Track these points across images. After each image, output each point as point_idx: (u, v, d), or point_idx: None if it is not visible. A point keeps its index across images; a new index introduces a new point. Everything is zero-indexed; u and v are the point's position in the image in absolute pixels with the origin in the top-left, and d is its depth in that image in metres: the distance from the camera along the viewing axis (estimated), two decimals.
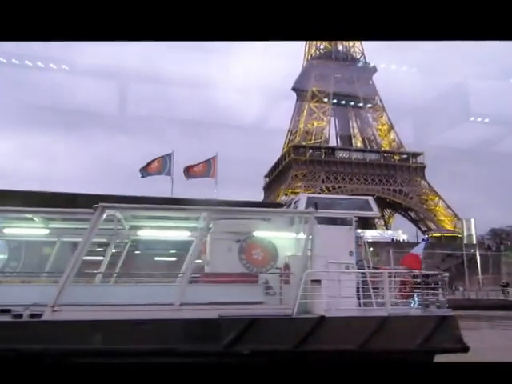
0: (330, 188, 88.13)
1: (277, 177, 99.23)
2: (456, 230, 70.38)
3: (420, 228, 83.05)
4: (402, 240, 58.48)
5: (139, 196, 15.44)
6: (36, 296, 8.53)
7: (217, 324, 8.56)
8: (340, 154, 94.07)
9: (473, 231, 28.40)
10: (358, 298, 10.32)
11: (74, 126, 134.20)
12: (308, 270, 9.53)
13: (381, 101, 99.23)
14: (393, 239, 52.59)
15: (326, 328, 8.85)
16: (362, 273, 10.22)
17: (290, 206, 12.91)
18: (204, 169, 29.68)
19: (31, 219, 11.08)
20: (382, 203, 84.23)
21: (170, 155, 29.00)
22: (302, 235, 10.77)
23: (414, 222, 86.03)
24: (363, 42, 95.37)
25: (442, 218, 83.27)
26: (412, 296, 11.09)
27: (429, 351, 8.98)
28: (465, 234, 28.19)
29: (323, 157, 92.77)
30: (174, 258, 15.71)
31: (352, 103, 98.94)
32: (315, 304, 9.42)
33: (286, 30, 1.45)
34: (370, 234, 51.59)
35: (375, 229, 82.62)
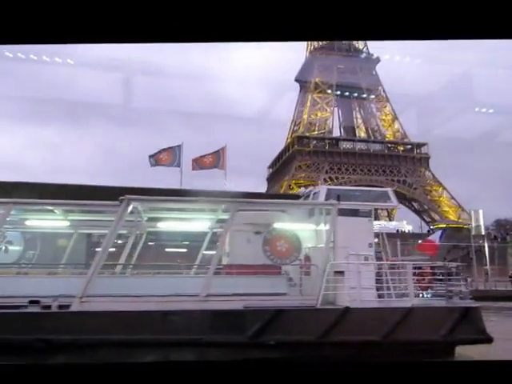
0: (334, 179, 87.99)
1: (280, 168, 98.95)
2: (460, 220, 70.37)
3: (424, 219, 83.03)
4: (407, 231, 58.53)
5: (157, 188, 15.45)
6: (62, 287, 8.58)
7: (242, 315, 8.62)
8: (344, 145, 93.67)
9: (481, 222, 28.36)
10: (377, 290, 10.37)
11: (76, 118, 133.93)
12: (331, 262, 9.57)
13: (384, 91, 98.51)
14: (397, 230, 52.58)
15: (350, 319, 8.90)
16: (387, 264, 10.25)
17: (308, 197, 12.89)
18: (213, 160, 29.69)
19: (52, 211, 11.10)
20: None
21: (179, 147, 29.04)
22: (322, 227, 10.79)
23: (418, 212, 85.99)
24: None
25: (446, 209, 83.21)
26: (431, 287, 11.14)
27: (453, 342, 9.04)
28: (473, 224, 28.14)
29: (327, 147, 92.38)
30: (189, 250, 15.76)
31: (355, 94, 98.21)
32: (338, 295, 9.46)
33: (285, 30, 1.45)
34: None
35: (378, 220, 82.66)
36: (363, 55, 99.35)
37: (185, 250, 16.25)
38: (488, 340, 9.02)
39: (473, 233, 28.01)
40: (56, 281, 9.04)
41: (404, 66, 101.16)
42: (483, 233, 29.57)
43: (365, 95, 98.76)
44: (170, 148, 29.22)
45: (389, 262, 10.69)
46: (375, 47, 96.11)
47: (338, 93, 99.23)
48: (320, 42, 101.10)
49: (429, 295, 11.33)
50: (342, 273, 9.56)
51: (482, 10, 1.39)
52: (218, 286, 8.97)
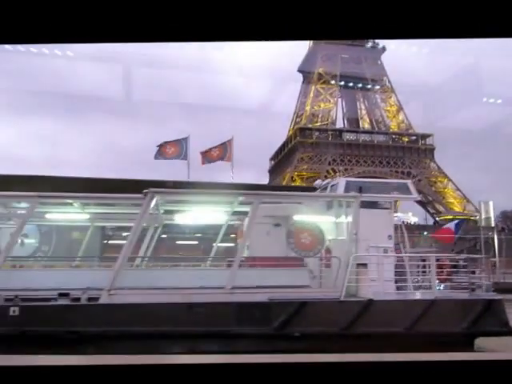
0: (337, 170, 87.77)
1: (282, 160, 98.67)
2: (465, 212, 70.29)
3: (428, 210, 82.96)
4: (413, 223, 58.54)
5: (170, 180, 15.47)
6: (89, 280, 8.67)
7: (267, 307, 8.71)
8: (347, 136, 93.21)
9: (491, 214, 28.30)
10: (395, 282, 10.44)
11: (75, 110, 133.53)
12: (354, 254, 9.61)
13: (389, 81, 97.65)
14: (403, 222, 52.53)
15: (374, 311, 8.98)
16: (408, 257, 10.31)
17: (325, 189, 12.89)
18: (220, 152, 29.59)
19: (70, 204, 11.15)
20: None
21: (186, 139, 28.84)
22: (342, 219, 10.81)
23: (423, 204, 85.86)
24: None
25: (451, 201, 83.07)
26: (450, 279, 11.19)
27: (475, 334, 9.12)
28: (483, 216, 28.07)
29: (330, 139, 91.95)
30: (205, 242, 15.83)
31: (360, 85, 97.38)
32: (361, 287, 9.53)
33: (285, 30, 1.45)
34: None
35: None
36: (368, 45, 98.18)
37: (201, 243, 16.32)
38: (511, 332, 9.09)
39: (482, 224, 27.94)
40: (82, 273, 9.11)
41: (411, 55, 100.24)
42: (493, 224, 29.54)
43: (369, 86, 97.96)
44: (176, 140, 29.09)
45: (411, 255, 10.73)
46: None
47: (342, 83, 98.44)
48: None
49: (441, 287, 11.40)
50: (364, 265, 9.62)
51: (483, 9, 1.38)
52: (242, 279, 9.04)
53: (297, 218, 10.92)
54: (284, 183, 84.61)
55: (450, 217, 57.17)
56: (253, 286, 8.89)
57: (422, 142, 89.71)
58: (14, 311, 7.81)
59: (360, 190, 10.22)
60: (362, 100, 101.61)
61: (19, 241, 13.33)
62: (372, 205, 11.13)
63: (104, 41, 1.45)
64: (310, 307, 8.85)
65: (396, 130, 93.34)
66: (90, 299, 8.35)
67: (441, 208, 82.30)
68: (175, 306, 8.34)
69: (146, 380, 1.37)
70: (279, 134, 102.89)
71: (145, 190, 9.13)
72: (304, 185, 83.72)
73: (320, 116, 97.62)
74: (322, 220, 11.11)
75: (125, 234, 18.25)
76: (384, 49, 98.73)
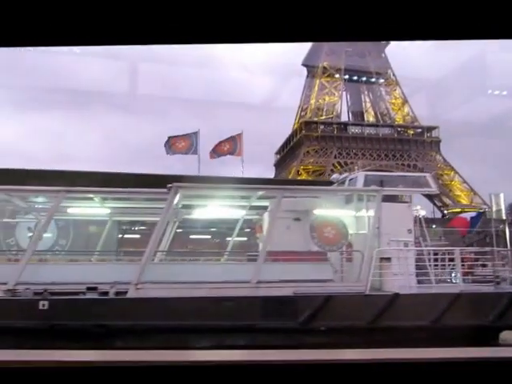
0: (343, 164, 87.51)
1: (288, 153, 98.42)
2: (473, 204, 69.98)
3: (435, 203, 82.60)
4: (421, 216, 58.24)
5: (187, 175, 15.50)
6: (115, 274, 8.70)
7: (293, 301, 8.72)
8: (352, 130, 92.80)
9: (502, 206, 28.16)
10: (416, 275, 10.42)
11: (80, 105, 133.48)
12: (378, 248, 9.60)
13: (394, 74, 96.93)
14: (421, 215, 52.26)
15: (399, 305, 8.98)
16: (430, 250, 10.28)
17: (342, 183, 12.85)
18: (230, 147, 29.52)
19: (92, 199, 11.17)
20: None
21: (196, 133, 28.79)
22: (362, 213, 10.79)
23: (429, 197, 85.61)
24: None
25: (458, 193, 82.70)
26: (472, 272, 11.16)
27: (501, 327, 9.11)
28: (493, 209, 27.94)
29: (335, 132, 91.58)
30: (222, 236, 15.86)
31: (364, 78, 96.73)
32: (385, 281, 9.53)
33: (285, 31, 1.43)
34: None
35: None
36: None
37: (219, 237, 16.35)
38: None
39: (493, 217, 27.82)
40: (108, 267, 9.15)
41: (415, 47, 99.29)
42: (504, 217, 29.40)
43: (373, 79, 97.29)
44: (186, 135, 29.02)
45: (435, 248, 10.71)
46: None
47: (346, 77, 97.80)
48: None
49: (458, 280, 11.38)
50: (388, 259, 9.62)
51: (484, 9, 1.37)
52: (266, 273, 9.06)
53: (317, 212, 10.91)
54: (290, 177, 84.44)
55: (458, 210, 56.93)
56: (278, 280, 8.90)
57: (428, 134, 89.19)
58: (43, 305, 7.86)
59: (381, 183, 10.19)
60: (366, 93, 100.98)
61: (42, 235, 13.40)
62: (392, 198, 11.10)
63: (105, 43, 1.44)
64: (335, 301, 8.87)
65: (401, 122, 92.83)
66: (117, 293, 8.38)
67: (447, 201, 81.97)
68: (202, 300, 8.37)
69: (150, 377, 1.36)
70: (284, 127, 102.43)
71: (169, 185, 9.13)
72: (310, 178, 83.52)
73: (325, 110, 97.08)
74: (342, 214, 11.09)
75: (140, 228, 18.31)
76: (388, 42, 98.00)
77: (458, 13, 1.37)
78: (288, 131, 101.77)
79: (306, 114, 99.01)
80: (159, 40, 1.46)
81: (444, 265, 11.10)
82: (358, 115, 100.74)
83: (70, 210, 11.58)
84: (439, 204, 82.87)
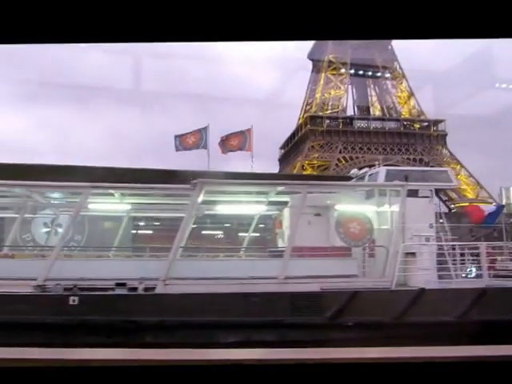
0: (348, 158, 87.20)
1: (292, 148, 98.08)
2: (479, 198, 69.68)
3: (441, 198, 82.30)
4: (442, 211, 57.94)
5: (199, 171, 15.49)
6: (142, 270, 8.74)
7: (321, 297, 8.74)
8: (358, 124, 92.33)
9: None
10: (438, 270, 10.40)
11: (84, 100, 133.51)
12: (403, 243, 9.58)
13: (400, 67, 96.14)
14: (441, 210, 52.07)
15: (425, 300, 8.96)
16: (451, 245, 10.25)
17: (361, 179, 12.81)
18: (239, 142, 29.48)
19: (112, 194, 11.18)
20: None
21: (205, 128, 28.76)
22: (385, 208, 10.76)
23: (435, 191, 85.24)
24: None
25: (464, 187, 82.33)
26: (494, 267, 11.12)
27: None
28: (503, 202, 27.86)
29: (341, 127, 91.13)
30: (238, 232, 15.88)
31: (370, 73, 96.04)
32: (411, 276, 9.51)
33: (285, 30, 1.44)
34: None
35: None
36: None
37: (238, 233, 16.36)
38: None
39: (504, 211, 27.71)
40: (135, 263, 9.18)
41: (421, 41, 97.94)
42: None
43: (379, 74, 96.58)
44: (195, 131, 29.00)
45: (460, 243, 10.69)
46: None
47: (352, 71, 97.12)
48: None
49: (473, 274, 11.36)
50: (413, 254, 9.60)
51: (484, 9, 1.37)
52: (292, 268, 9.07)
53: (338, 207, 10.90)
54: (295, 172, 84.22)
55: (466, 204, 56.70)
56: (304, 276, 8.91)
57: (434, 128, 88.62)
58: (73, 301, 7.91)
59: (406, 178, 10.14)
60: (372, 86, 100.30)
61: (53, 231, 13.47)
62: (413, 193, 11.06)
63: (106, 41, 1.45)
64: (362, 297, 8.87)
65: (407, 116, 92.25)
66: (145, 289, 8.42)
67: (453, 195, 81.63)
68: (230, 296, 8.39)
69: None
70: (288, 122, 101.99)
71: (193, 181, 9.13)
72: (315, 173, 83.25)
73: (330, 104, 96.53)
74: (363, 209, 11.07)
75: (154, 224, 18.35)
76: None
77: (459, 12, 1.37)
78: (292, 126, 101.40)
79: (311, 108, 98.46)
80: (161, 38, 1.46)
81: (463, 260, 11.08)
82: (364, 109, 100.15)
83: (90, 206, 11.61)
84: (445, 198, 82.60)
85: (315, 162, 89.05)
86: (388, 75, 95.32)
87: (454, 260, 10.94)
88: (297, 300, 8.63)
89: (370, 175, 12.22)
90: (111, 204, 11.78)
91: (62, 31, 1.41)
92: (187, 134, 28.23)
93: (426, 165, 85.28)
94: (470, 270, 11.63)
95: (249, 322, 8.24)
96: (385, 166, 12.54)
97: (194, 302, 8.25)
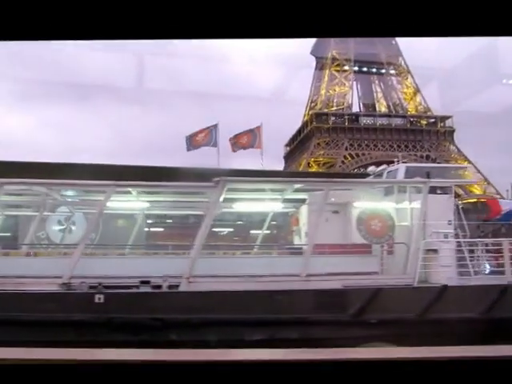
0: (354, 155, 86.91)
1: (298, 145, 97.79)
2: (486, 194, 69.17)
3: None
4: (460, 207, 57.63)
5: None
6: (164, 267, 8.78)
7: (344, 294, 8.74)
8: (364, 121, 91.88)
9: None
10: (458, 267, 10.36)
11: (88, 98, 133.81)
12: (425, 240, 9.56)
13: (405, 62, 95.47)
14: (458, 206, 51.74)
15: (448, 297, 8.94)
16: (475, 242, 10.22)
17: (380, 176, 12.77)
18: (249, 139, 29.50)
19: (130, 192, 11.23)
20: None
21: (215, 126, 28.80)
22: (405, 205, 10.72)
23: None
24: None
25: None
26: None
27: None
28: None
29: (346, 124, 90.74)
30: (253, 230, 15.90)
31: (374, 69, 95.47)
32: (433, 273, 9.49)
33: (286, 27, 1.44)
34: None
35: None
36: None
37: (256, 230, 16.38)
38: None
39: None
40: (158, 261, 9.22)
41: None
42: None
43: (384, 70, 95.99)
44: (205, 128, 29.06)
45: (481, 240, 10.66)
46: None
47: (356, 68, 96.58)
48: None
49: (487, 270, 11.32)
50: (435, 251, 9.57)
51: (485, 6, 1.36)
52: (314, 266, 9.07)
53: (356, 204, 10.89)
54: (300, 169, 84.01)
55: (474, 200, 56.36)
56: (326, 273, 8.92)
57: (441, 124, 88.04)
58: (99, 298, 7.96)
59: (428, 175, 10.11)
60: (377, 82, 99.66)
61: (68, 228, 13.54)
62: (433, 190, 11.02)
63: (109, 38, 1.44)
64: (384, 294, 8.87)
65: (413, 112, 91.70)
66: (169, 287, 8.46)
67: (460, 191, 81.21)
68: (254, 294, 8.41)
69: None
70: (293, 120, 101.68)
71: (216, 179, 9.14)
72: (321, 170, 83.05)
73: (335, 100, 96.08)
74: (382, 206, 11.04)
75: (166, 221, 18.38)
76: None
77: (460, 9, 1.36)
78: (297, 123, 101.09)
79: (316, 105, 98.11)
80: (163, 35, 1.46)
81: (480, 256, 11.06)
82: (370, 106, 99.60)
83: (110, 204, 11.66)
84: None
85: (321, 159, 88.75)
86: (393, 71, 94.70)
87: (472, 257, 10.91)
88: (320, 297, 8.64)
89: (389, 172, 12.18)
90: (130, 202, 11.82)
91: (64, 28, 1.41)
92: (197, 132, 28.31)
93: (434, 161, 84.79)
94: (485, 267, 11.59)
95: (272, 320, 8.26)
96: (403, 163, 12.49)
97: (219, 299, 8.28)
